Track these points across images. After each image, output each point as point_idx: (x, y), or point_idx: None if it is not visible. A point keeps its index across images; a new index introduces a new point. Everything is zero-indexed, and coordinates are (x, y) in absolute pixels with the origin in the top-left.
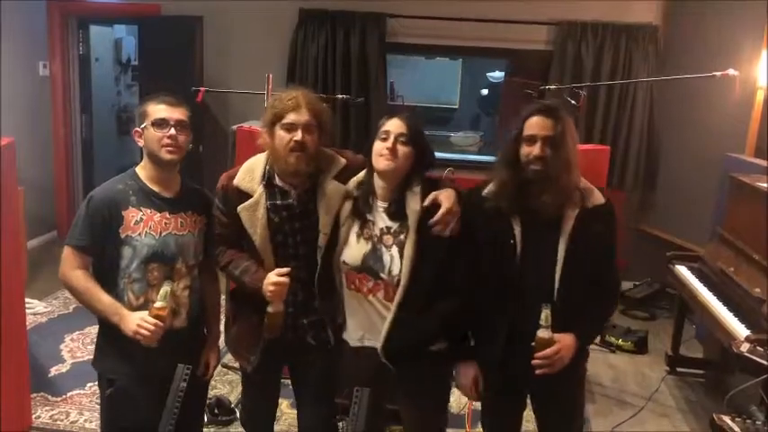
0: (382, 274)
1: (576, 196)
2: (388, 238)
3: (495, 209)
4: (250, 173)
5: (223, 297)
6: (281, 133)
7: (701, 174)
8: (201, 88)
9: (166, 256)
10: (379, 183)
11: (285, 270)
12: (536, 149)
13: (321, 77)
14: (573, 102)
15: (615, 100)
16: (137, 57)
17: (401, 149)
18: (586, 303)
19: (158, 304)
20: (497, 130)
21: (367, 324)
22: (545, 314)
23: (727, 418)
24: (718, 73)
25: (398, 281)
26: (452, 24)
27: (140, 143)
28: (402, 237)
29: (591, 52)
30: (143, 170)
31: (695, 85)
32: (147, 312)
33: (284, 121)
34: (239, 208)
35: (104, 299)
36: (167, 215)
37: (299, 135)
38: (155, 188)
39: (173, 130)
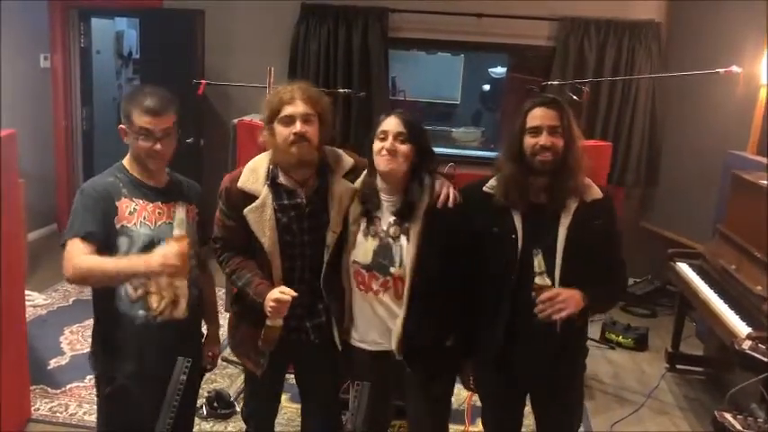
0: (392, 269)
1: (578, 190)
2: (396, 230)
3: (498, 204)
4: (254, 173)
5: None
6: (279, 128)
7: (702, 171)
8: (202, 81)
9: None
10: (383, 181)
11: (290, 291)
12: (542, 139)
13: (323, 72)
14: (575, 97)
15: (617, 97)
16: (138, 50)
17: (400, 148)
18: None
19: (177, 231)
20: (499, 126)
21: (375, 325)
22: (537, 261)
23: (728, 415)
24: (721, 70)
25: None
26: (454, 20)
27: (126, 140)
28: (409, 228)
29: (593, 49)
30: (130, 163)
31: (698, 82)
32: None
33: (281, 114)
34: (246, 211)
35: (131, 258)
36: (160, 204)
37: (297, 127)
38: (144, 179)
39: (158, 146)
